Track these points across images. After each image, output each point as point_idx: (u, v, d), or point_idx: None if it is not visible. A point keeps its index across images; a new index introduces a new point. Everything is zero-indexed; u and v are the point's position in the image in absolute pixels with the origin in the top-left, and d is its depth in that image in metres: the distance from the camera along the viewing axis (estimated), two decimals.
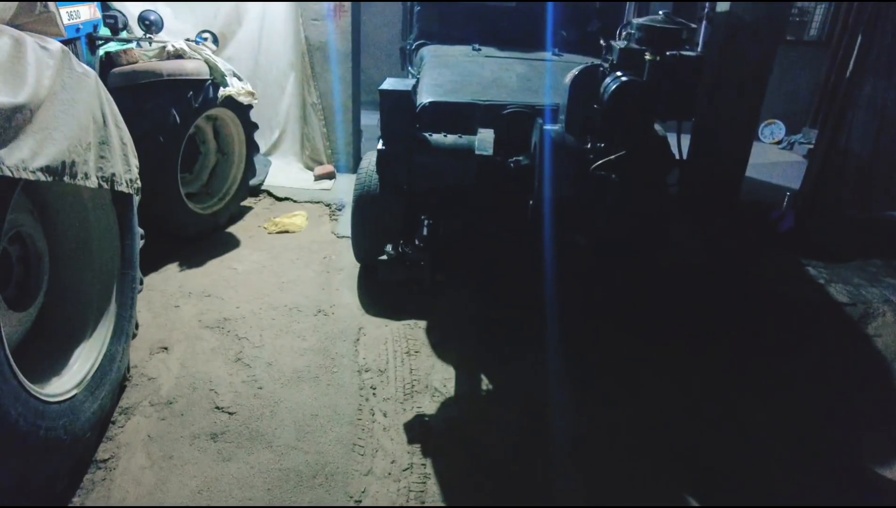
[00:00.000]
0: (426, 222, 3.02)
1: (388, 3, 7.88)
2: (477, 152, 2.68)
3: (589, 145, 2.65)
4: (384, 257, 3.64)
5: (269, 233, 4.51)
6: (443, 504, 2.25)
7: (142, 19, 4.27)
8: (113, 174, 2.33)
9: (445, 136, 2.86)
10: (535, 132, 2.88)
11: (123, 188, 2.45)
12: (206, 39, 4.44)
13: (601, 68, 2.66)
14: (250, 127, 4.59)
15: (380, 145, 2.78)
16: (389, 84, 2.76)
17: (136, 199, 2.79)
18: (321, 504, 2.22)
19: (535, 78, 3.72)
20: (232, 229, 4.56)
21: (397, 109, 2.70)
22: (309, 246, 4.31)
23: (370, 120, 6.27)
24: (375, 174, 3.55)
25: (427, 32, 4.47)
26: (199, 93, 3.92)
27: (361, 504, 2.24)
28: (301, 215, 4.72)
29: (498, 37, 4.42)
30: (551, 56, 4.28)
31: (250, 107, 4.41)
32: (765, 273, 4.20)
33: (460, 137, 2.86)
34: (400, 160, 2.77)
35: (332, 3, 4.99)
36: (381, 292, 3.68)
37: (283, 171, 5.44)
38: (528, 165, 2.81)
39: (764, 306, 3.72)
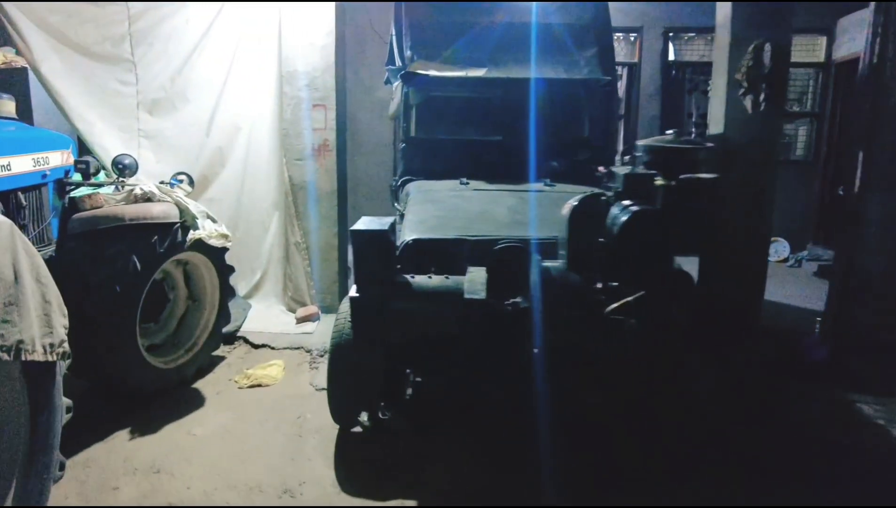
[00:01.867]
0: (411, 378, 2.57)
1: (379, 144, 7.96)
2: (467, 296, 2.28)
3: (599, 285, 2.26)
4: (359, 427, 3.11)
5: (240, 388, 4.00)
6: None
7: (115, 163, 4.09)
8: (20, 342, 1.91)
9: (430, 277, 2.48)
10: (532, 270, 2.51)
11: (37, 356, 2.01)
12: (181, 181, 4.24)
13: (602, 198, 2.34)
14: (225, 271, 4.25)
15: (352, 291, 2.40)
16: (362, 223, 2.43)
17: (64, 365, 2.34)
18: None
19: (527, 210, 3.44)
20: (199, 384, 4.06)
21: (371, 251, 2.35)
22: (283, 402, 3.78)
23: None
24: None
25: (413, 168, 4.29)
26: (166, 237, 3.61)
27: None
28: (277, 365, 4.24)
29: (486, 170, 4.22)
30: (542, 186, 4.05)
31: (225, 249, 4.10)
32: (807, 412, 3.65)
33: (447, 278, 2.48)
34: (375, 308, 2.37)
35: (315, 144, 4.88)
36: (363, 459, 3.11)
37: (264, 314, 5.04)
38: (527, 309, 2.40)
39: (818, 455, 3.14)
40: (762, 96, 4.41)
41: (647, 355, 2.17)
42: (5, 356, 1.84)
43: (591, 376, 2.31)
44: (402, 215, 3.99)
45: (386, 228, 2.45)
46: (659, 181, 2.11)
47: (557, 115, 4.34)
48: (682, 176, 2.09)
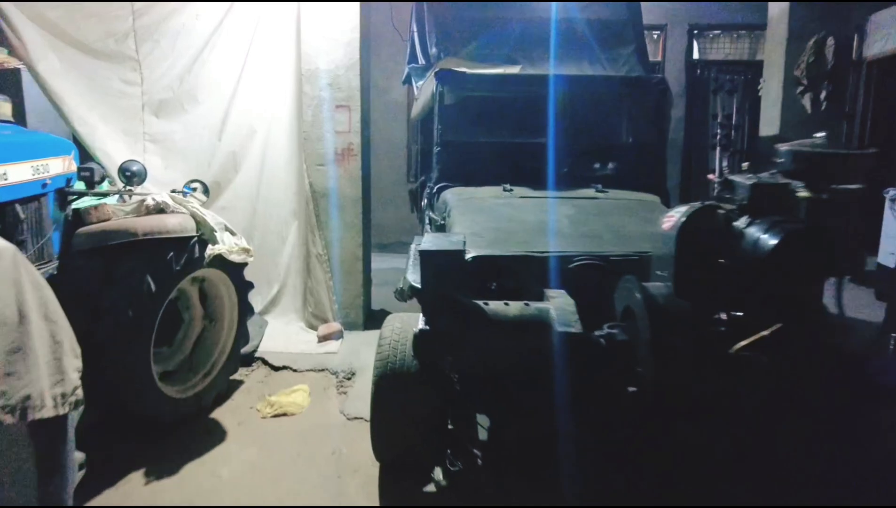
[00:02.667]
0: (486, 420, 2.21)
1: (393, 147, 7.59)
2: (560, 329, 1.92)
3: (720, 315, 1.91)
4: (432, 486, 2.72)
5: (264, 417, 3.62)
6: None
7: (122, 170, 3.71)
8: (26, 398, 1.53)
9: (507, 304, 2.11)
10: (620, 293, 2.15)
11: (47, 412, 1.64)
12: (194, 190, 3.86)
13: (720, 211, 1.99)
14: (244, 287, 3.87)
15: (420, 323, 2.03)
16: (432, 242, 2.07)
17: (76, 413, 1.97)
18: None
19: (590, 220, 3.08)
20: (218, 413, 3.68)
21: (445, 276, 1.99)
22: (313, 434, 3.41)
23: (378, 263, 5.63)
24: (402, 347, 2.78)
25: (448, 174, 3.92)
26: (182, 253, 3.23)
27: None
28: (302, 391, 3.86)
29: (529, 175, 3.86)
30: (594, 193, 3.70)
31: (244, 264, 3.72)
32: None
33: (527, 305, 2.11)
34: (448, 343, 2.00)
35: (338, 148, 4.51)
36: (415, 503, 2.74)
37: (282, 332, 4.66)
38: (626, 342, 2.04)
39: None
40: (823, 94, 4.10)
41: (777, 397, 1.82)
42: (9, 419, 1.46)
43: (708, 420, 1.95)
44: (439, 226, 3.63)
45: (460, 247, 2.09)
46: (802, 193, 1.77)
47: (606, 115, 3.99)
48: (832, 187, 1.74)
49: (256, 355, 4.38)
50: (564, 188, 3.75)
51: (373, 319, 4.92)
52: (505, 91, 4.01)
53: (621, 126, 4.02)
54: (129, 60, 4.64)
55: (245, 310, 3.96)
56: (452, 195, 3.65)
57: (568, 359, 1.97)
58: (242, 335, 3.98)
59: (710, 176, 3.34)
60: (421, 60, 5.35)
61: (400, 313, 3.21)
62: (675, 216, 2.09)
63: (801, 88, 4.14)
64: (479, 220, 3.09)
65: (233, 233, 3.67)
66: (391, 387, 2.76)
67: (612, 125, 4.01)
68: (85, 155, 4.35)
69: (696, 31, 7.86)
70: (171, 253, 3.16)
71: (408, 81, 6.12)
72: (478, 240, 2.77)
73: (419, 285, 2.52)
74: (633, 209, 3.40)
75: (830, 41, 4.00)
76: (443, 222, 3.59)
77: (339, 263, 4.64)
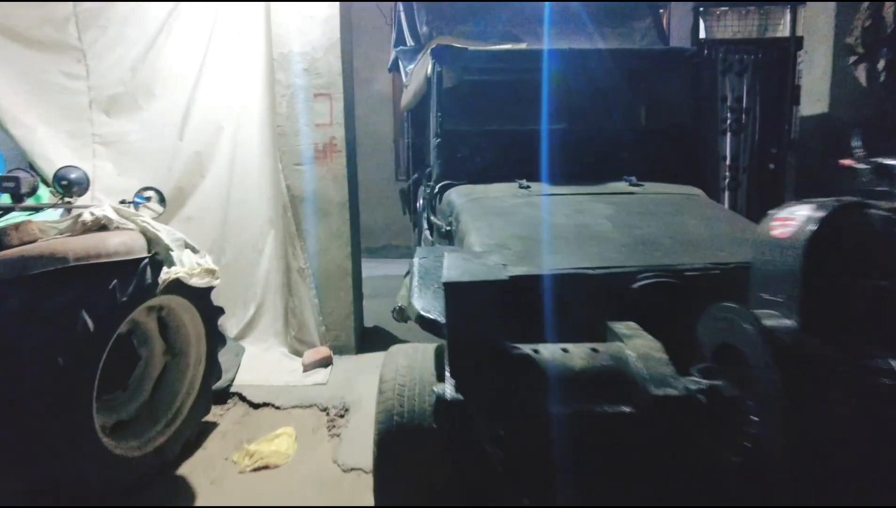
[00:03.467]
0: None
1: (379, 142, 6.96)
2: (657, 392, 1.33)
3: (878, 360, 1.33)
4: None
5: (241, 471, 3.00)
6: None
7: (58, 179, 3.06)
8: None
9: (566, 350, 1.52)
10: (711, 324, 1.58)
11: None
12: (147, 200, 3.21)
13: (872, 210, 1.41)
14: (212, 314, 3.24)
15: (448, 388, 1.42)
16: (459, 267, 1.47)
17: None
18: None
19: (638, 222, 2.49)
20: (187, 468, 3.06)
21: (482, 316, 1.39)
22: (303, 493, 2.80)
23: (368, 270, 4.98)
24: (412, 394, 2.19)
25: (452, 170, 3.31)
26: (129, 280, 2.60)
27: None
28: (286, 435, 3.24)
29: (546, 169, 3.27)
30: (628, 187, 3.12)
31: (211, 288, 3.09)
32: None
33: (594, 350, 1.52)
34: (489, 412, 1.40)
35: (319, 143, 3.87)
36: None
37: (262, 360, 4.03)
38: (736, 399, 1.46)
39: None
40: (882, 64, 3.56)
41: None
42: None
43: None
44: (444, 233, 3.04)
45: (502, 276, 1.50)
46: None
47: (633, 95, 3.41)
48: None
49: (232, 389, 3.75)
50: (591, 182, 3.17)
51: (367, 340, 4.30)
52: (514, 70, 3.40)
53: (650, 107, 3.44)
54: (72, 50, 3.98)
55: (215, 340, 3.33)
56: (459, 196, 3.04)
57: (660, 427, 1.39)
58: (213, 370, 3.36)
59: (846, 162, 2.76)
60: (410, 42, 4.73)
61: (403, 344, 2.61)
62: (794, 218, 1.50)
63: (854, 58, 3.58)
64: (499, 225, 2.49)
65: (194, 250, 3.03)
66: (399, 446, 2.15)
67: (639, 107, 3.43)
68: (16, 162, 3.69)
69: (701, 8, 7.30)
70: (115, 281, 2.52)
71: (394, 67, 5.49)
72: (504, 254, 2.17)
73: (432, 318, 1.94)
74: (681, 206, 2.82)
75: (890, 2, 3.44)
76: (449, 227, 2.99)
77: (324, 278, 4.01)
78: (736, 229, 2.41)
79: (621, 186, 3.15)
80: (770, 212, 1.67)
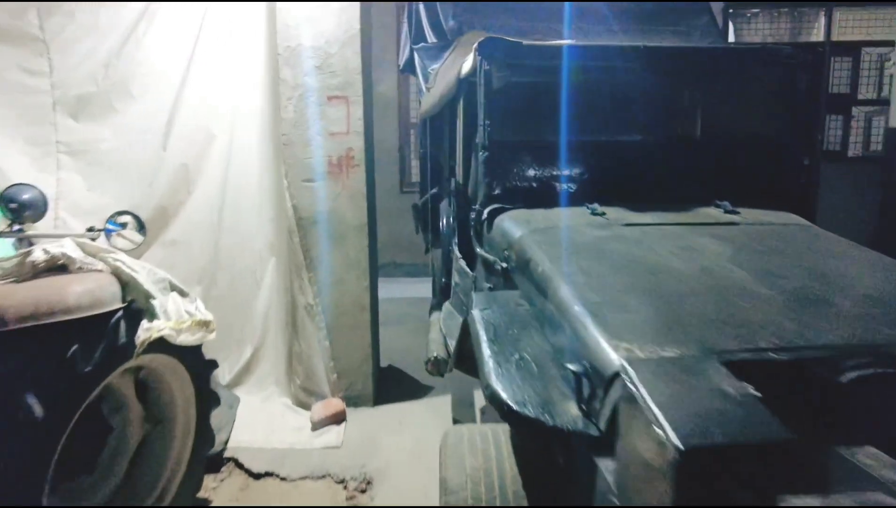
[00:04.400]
0: None
1: (383, 152, 6.30)
2: None
3: None
4: None
5: None
6: None
7: (6, 200, 2.39)
8: None
9: None
10: None
11: None
12: (122, 226, 2.55)
13: None
14: (204, 370, 2.59)
15: None
16: (687, 405, 0.86)
17: None
18: None
19: (777, 268, 1.90)
20: None
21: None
22: None
23: (392, 291, 4.27)
24: None
25: (503, 190, 2.69)
26: (96, 343, 1.94)
27: None
28: None
29: (616, 190, 2.68)
30: (724, 213, 2.54)
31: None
32: None
33: None
34: None
35: (333, 155, 3.23)
36: None
37: (261, 414, 3.36)
38: None
39: None
40: None
41: None
42: None
43: None
44: (502, 272, 2.42)
45: (788, 433, 0.90)
46: None
47: (720, 103, 2.83)
48: None
49: (227, 453, 3.08)
50: (675, 208, 2.58)
51: (386, 387, 3.66)
52: (575, 70, 2.80)
53: (739, 116, 2.85)
54: (32, 41, 3.33)
55: (207, 402, 2.68)
56: (517, 224, 2.43)
57: None
58: (205, 437, 2.70)
59: None
60: (431, 39, 4.11)
61: (460, 426, 1.99)
62: None
63: None
64: (596, 272, 1.88)
65: (182, 293, 2.38)
66: None
67: (729, 116, 2.85)
68: None
69: (731, 10, 6.79)
70: (75, 346, 1.86)
71: (409, 67, 4.87)
72: (628, 321, 1.56)
73: (533, 418, 1.36)
74: (808, 242, 2.24)
75: None
76: (505, 264, 2.38)
77: (336, 315, 3.36)
78: None
79: (714, 213, 2.56)
80: None
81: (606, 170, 2.74)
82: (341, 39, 3.11)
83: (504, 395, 1.55)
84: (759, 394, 1.11)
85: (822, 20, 6.77)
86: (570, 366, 1.54)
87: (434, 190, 4.45)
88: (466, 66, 3.11)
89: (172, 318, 2.16)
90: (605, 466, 1.28)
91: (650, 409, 1.09)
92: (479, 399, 3.43)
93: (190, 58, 3.37)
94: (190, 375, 2.50)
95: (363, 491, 2.83)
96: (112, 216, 2.56)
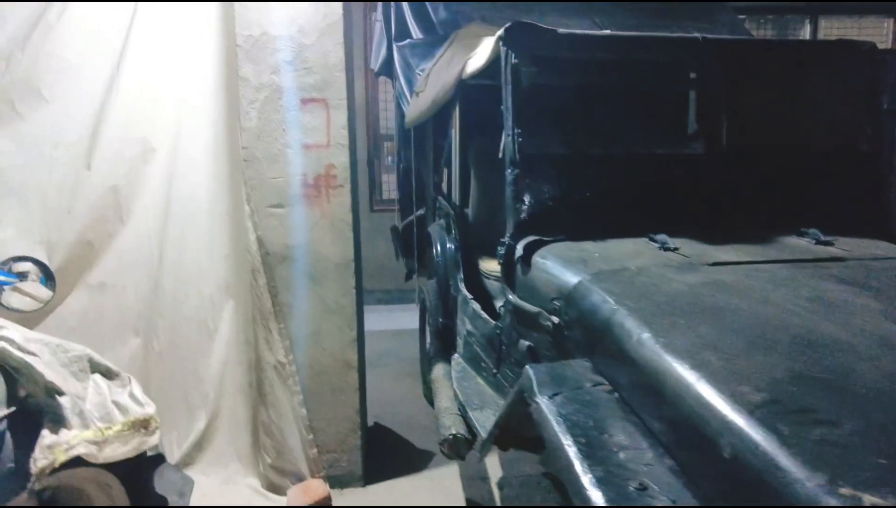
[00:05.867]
0: None
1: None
2: None
3: None
4: None
5: None
6: None
7: None
8: None
9: None
10: None
11: None
12: (21, 277, 1.82)
13: None
14: (146, 473, 1.87)
15: None
16: None
17: None
18: None
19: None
20: None
21: None
22: None
23: (372, 323, 3.52)
24: None
25: (539, 216, 2.08)
26: None
27: None
28: None
29: (677, 215, 2.14)
30: (814, 244, 2.04)
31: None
32: None
33: None
34: None
35: (310, 174, 2.56)
36: None
37: (222, 499, 2.64)
38: None
39: None
40: None
41: None
42: None
43: None
44: (549, 328, 1.81)
45: None
46: None
47: (793, 107, 2.32)
48: None
49: None
50: (755, 238, 2.05)
51: (376, 456, 2.97)
52: (624, 67, 2.24)
53: (820, 123, 2.35)
54: None
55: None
56: (570, 265, 1.84)
57: None
58: None
59: None
60: (416, 34, 3.51)
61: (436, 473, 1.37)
62: None
63: None
64: (723, 343, 1.30)
65: (110, 374, 1.66)
66: None
67: (805, 123, 2.34)
68: None
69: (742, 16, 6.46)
70: None
71: (386, 69, 4.25)
72: (833, 441, 0.98)
73: None
74: None
75: None
76: (556, 320, 1.78)
77: (314, 375, 2.66)
78: None
79: (805, 244, 2.04)
80: None
81: (663, 190, 2.19)
82: (319, 27, 2.45)
83: None
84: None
85: (808, 28, 6.56)
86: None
87: (420, 211, 3.83)
88: (475, 62, 2.53)
89: (94, 419, 1.45)
90: None
91: None
92: (495, 471, 2.80)
93: (120, 52, 2.64)
94: (126, 488, 1.78)
95: None
96: (4, 264, 1.81)
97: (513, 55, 2.09)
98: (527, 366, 1.57)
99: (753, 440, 1.01)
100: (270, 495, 2.68)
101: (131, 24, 2.63)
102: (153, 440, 1.66)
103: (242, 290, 2.73)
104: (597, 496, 1.11)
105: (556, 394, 1.44)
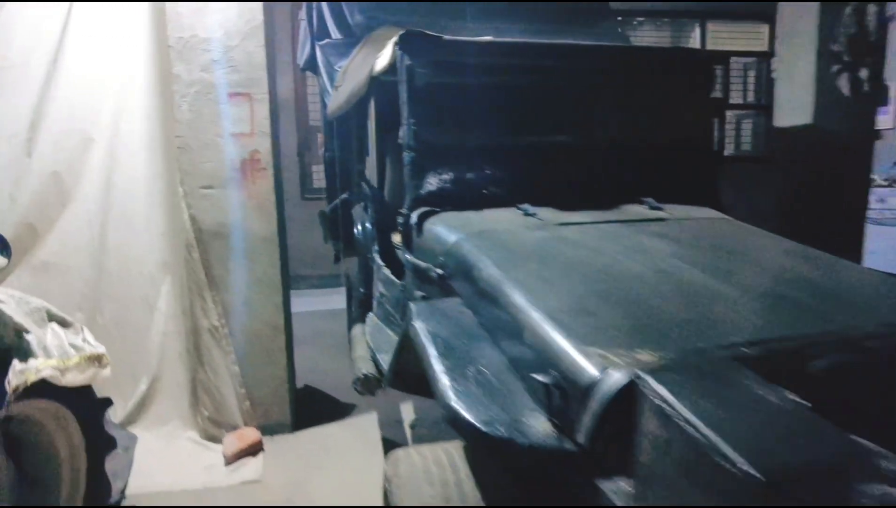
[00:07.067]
0: None
1: (285, 153, 5.95)
2: None
3: None
4: None
5: None
6: None
7: None
8: None
9: None
10: None
11: None
12: None
13: None
14: (96, 412, 2.21)
15: None
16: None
17: None
18: None
19: (725, 264, 1.91)
20: None
21: None
22: None
23: (299, 305, 3.91)
24: None
25: (431, 193, 2.53)
26: None
27: None
28: None
29: (542, 191, 2.62)
30: (648, 209, 2.56)
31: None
32: None
33: None
34: None
35: (237, 159, 2.91)
36: None
37: (164, 452, 2.96)
38: None
39: None
40: (865, 73, 3.32)
41: None
42: None
43: None
44: (439, 279, 2.26)
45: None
46: None
47: (639, 103, 2.85)
48: None
49: (127, 503, 2.66)
50: (599, 205, 2.56)
51: (305, 411, 3.36)
52: (501, 67, 2.71)
53: (661, 118, 2.89)
54: None
55: (102, 446, 2.29)
56: (452, 228, 2.29)
57: None
58: (98, 489, 2.31)
59: None
60: (335, 34, 3.89)
61: (407, 449, 1.80)
62: None
63: (837, 67, 3.30)
64: (547, 276, 1.77)
65: (65, 323, 2.00)
66: None
67: (648, 117, 2.87)
68: None
69: (619, 17, 7.10)
70: None
71: (311, 66, 4.60)
72: (596, 326, 1.46)
73: (503, 437, 1.24)
74: (736, 237, 2.29)
75: (872, 7, 3.18)
76: (441, 271, 2.23)
77: (247, 338, 3.03)
78: (845, 269, 1.91)
79: (641, 210, 2.57)
80: None
81: (534, 171, 2.67)
82: (243, 31, 2.81)
83: (468, 415, 1.40)
84: (807, 403, 1.04)
85: (698, 31, 7.28)
86: (538, 377, 1.42)
87: (345, 195, 4.21)
88: (381, 62, 2.93)
89: (54, 355, 1.79)
90: (610, 488, 1.16)
91: (695, 427, 0.98)
92: (408, 415, 3.24)
93: (57, 48, 2.91)
94: (79, 420, 2.11)
95: None
96: None
97: (406, 58, 2.52)
98: (410, 303, 2.01)
99: (547, 330, 1.49)
100: (209, 444, 3.03)
101: (67, 23, 2.90)
102: (105, 372, 1.99)
103: (179, 266, 3.06)
104: (444, 381, 1.55)
105: (428, 320, 1.88)
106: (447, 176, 2.56)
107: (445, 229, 2.32)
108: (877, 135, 4.46)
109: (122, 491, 2.70)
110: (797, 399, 1.07)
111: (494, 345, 1.71)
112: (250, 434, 2.99)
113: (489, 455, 1.53)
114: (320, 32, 4.06)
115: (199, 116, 2.84)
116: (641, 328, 1.44)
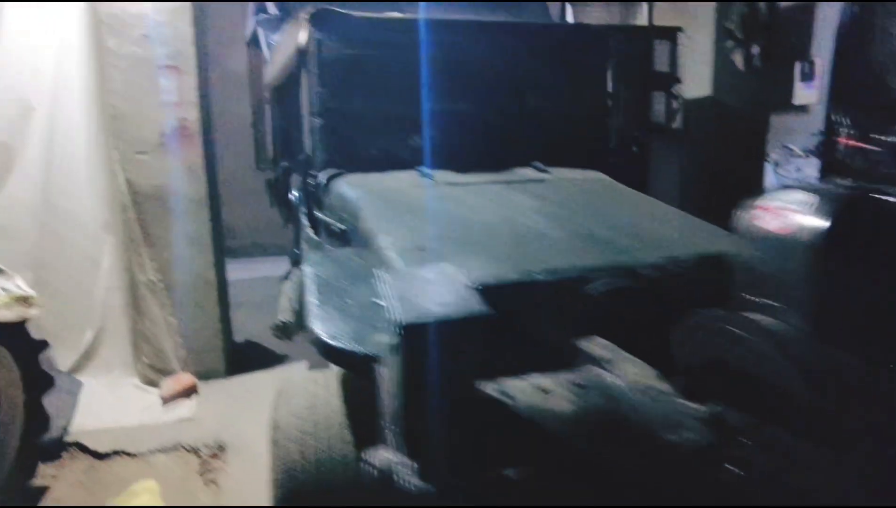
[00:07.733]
0: None
1: (236, 128, 6.18)
2: (669, 438, 1.02)
3: None
4: None
5: None
6: None
7: None
8: None
9: (545, 391, 1.16)
10: (697, 335, 1.33)
11: None
12: None
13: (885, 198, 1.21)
14: (31, 351, 2.48)
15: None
16: (419, 295, 1.06)
17: None
18: None
19: (570, 215, 2.23)
20: None
21: (449, 364, 0.98)
22: None
23: (230, 275, 4.22)
24: (317, 446, 1.75)
25: (338, 156, 2.82)
26: None
27: None
28: (147, 492, 2.59)
29: (442, 155, 2.90)
30: (537, 173, 2.87)
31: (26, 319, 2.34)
32: None
33: (580, 386, 1.18)
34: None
35: (166, 125, 3.16)
36: None
37: (106, 396, 3.26)
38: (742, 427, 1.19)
39: None
40: (757, 50, 3.63)
41: None
42: None
43: None
44: (339, 233, 2.56)
45: (483, 308, 1.09)
46: None
47: (536, 74, 3.13)
48: None
49: (69, 439, 2.96)
50: (496, 169, 2.86)
51: (238, 360, 3.67)
52: (405, 43, 2.97)
53: (554, 88, 3.18)
54: None
55: (38, 383, 2.57)
56: (353, 188, 2.58)
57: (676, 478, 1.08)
58: (37, 420, 2.59)
59: (850, 141, 2.63)
60: (272, 10, 4.11)
61: (296, 376, 2.12)
62: (787, 208, 1.28)
63: (731, 44, 3.61)
64: (413, 224, 2.08)
65: (1, 272, 2.27)
66: None
67: (542, 87, 3.16)
68: None
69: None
70: None
71: (254, 40, 4.81)
72: (431, 258, 1.77)
73: (345, 349, 1.53)
74: (598, 194, 2.61)
75: None
76: (343, 226, 2.52)
77: (182, 291, 3.32)
78: (673, 217, 2.23)
79: (529, 172, 2.88)
80: (749, 201, 1.44)
81: (439, 137, 2.95)
82: (170, 8, 3.04)
83: (321, 333, 1.70)
84: (476, 285, 1.33)
85: (645, 8, 7.52)
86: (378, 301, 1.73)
87: (285, 163, 4.46)
88: (301, 37, 3.18)
89: None
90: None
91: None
92: None
93: None
94: (14, 359, 2.39)
95: (216, 457, 2.87)
96: None
97: (316, 33, 2.77)
98: (305, 251, 2.30)
99: (391, 264, 1.79)
100: (148, 388, 3.33)
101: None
102: (33, 312, 2.26)
103: (118, 226, 3.32)
104: (314, 311, 1.85)
105: (317, 265, 2.18)
106: (355, 141, 2.85)
107: (348, 188, 2.61)
108: (802, 109, 4.78)
109: (65, 429, 3.01)
110: (468, 282, 1.34)
111: (370, 284, 2.02)
112: (185, 379, 3.29)
113: (346, 369, 1.83)
114: (259, 7, 4.27)
115: (131, 87, 3.08)
116: (458, 258, 1.75)
